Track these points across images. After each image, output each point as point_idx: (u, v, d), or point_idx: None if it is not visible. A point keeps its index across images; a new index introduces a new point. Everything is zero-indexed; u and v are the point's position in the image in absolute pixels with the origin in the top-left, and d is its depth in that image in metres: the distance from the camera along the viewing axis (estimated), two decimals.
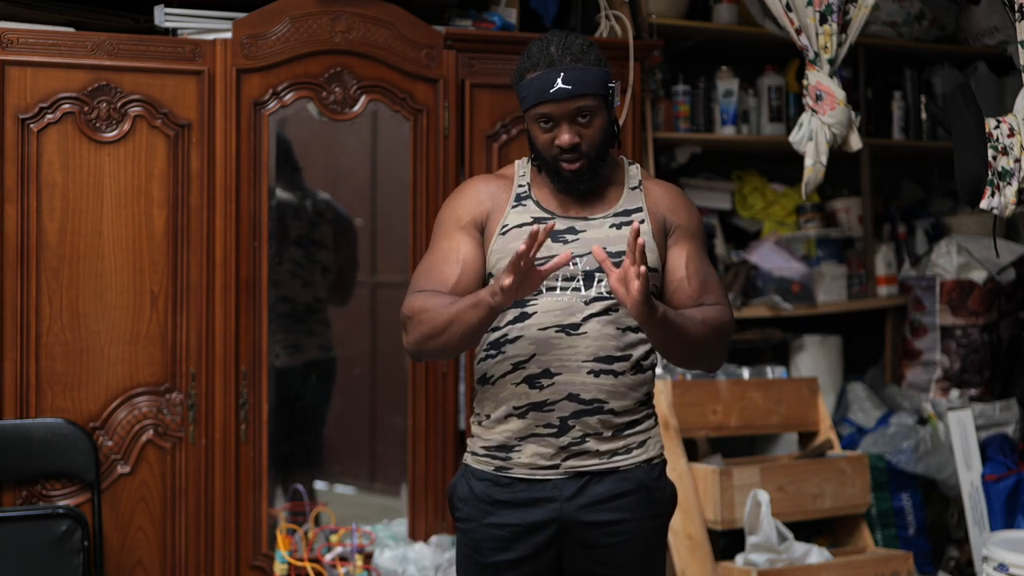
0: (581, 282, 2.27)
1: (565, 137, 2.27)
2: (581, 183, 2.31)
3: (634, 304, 2.10)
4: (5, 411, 3.20)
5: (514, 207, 2.34)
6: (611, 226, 2.31)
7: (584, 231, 2.31)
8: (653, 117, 4.14)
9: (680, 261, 2.35)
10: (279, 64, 3.41)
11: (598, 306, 2.27)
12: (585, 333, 2.26)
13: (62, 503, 3.22)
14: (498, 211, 2.34)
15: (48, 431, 3.20)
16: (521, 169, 2.41)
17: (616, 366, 2.27)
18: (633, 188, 2.38)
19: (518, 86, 2.33)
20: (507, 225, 2.32)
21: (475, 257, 2.33)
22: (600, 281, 2.27)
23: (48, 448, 3.19)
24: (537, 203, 2.34)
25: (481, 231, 2.34)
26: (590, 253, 2.26)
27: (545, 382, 2.26)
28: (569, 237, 2.30)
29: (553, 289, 2.27)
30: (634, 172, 2.41)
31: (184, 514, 3.33)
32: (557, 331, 2.26)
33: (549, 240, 2.28)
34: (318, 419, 3.95)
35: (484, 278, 2.33)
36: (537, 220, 2.31)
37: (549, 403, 2.27)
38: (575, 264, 2.27)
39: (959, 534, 4.34)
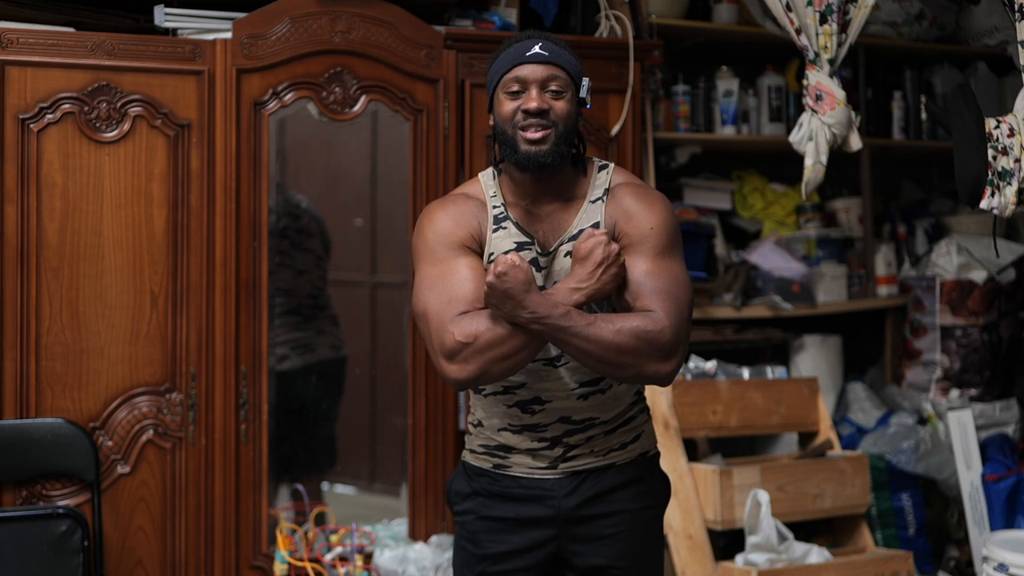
0: None
1: (533, 102, 2.19)
2: (542, 157, 2.19)
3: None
4: (5, 411, 3.20)
5: (495, 231, 2.26)
6: (565, 254, 2.24)
7: (545, 268, 2.25)
8: (653, 117, 4.14)
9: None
10: (279, 64, 3.41)
11: None
12: (567, 363, 2.25)
13: (62, 503, 3.22)
14: (483, 233, 2.26)
15: (48, 431, 3.20)
16: (490, 188, 2.31)
17: (603, 384, 2.28)
18: (595, 200, 2.27)
19: (492, 65, 2.27)
20: (493, 253, 2.25)
21: (480, 270, 2.23)
22: None
23: (48, 448, 3.19)
24: (516, 224, 2.26)
25: (481, 248, 2.25)
26: (555, 283, 2.21)
27: (536, 408, 2.27)
28: (542, 265, 2.25)
29: None
30: (602, 180, 2.29)
31: (184, 514, 3.33)
32: (544, 364, 2.25)
33: (532, 270, 2.20)
34: (319, 419, 3.95)
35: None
36: (520, 245, 2.24)
37: (542, 425, 2.29)
38: None
39: (959, 534, 4.33)
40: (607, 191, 2.28)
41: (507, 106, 2.22)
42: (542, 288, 2.19)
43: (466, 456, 2.40)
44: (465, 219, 2.25)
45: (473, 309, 2.14)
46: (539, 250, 2.25)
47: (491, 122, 2.28)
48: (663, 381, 2.17)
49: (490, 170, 2.33)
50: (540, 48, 2.22)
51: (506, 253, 2.20)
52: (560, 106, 2.21)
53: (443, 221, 2.26)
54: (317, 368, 3.87)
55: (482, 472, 2.35)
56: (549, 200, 2.27)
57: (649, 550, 2.36)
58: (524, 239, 2.25)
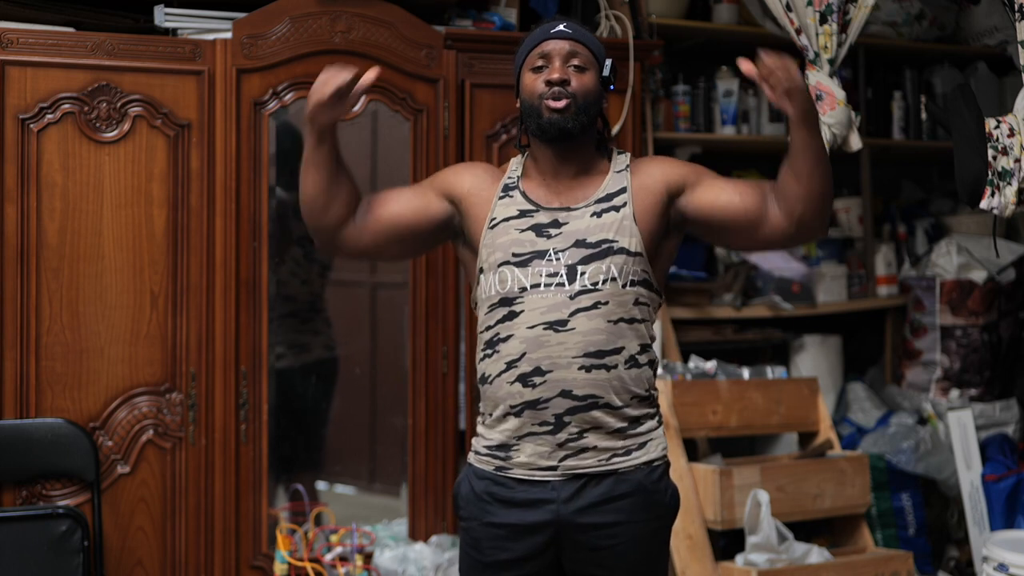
0: (564, 277, 2.26)
1: (556, 73, 2.29)
2: (564, 123, 2.28)
3: (799, 92, 2.17)
4: (5, 411, 3.20)
5: (500, 198, 2.34)
6: (592, 214, 2.30)
7: (567, 223, 2.30)
8: (653, 117, 4.14)
9: (717, 191, 2.32)
10: (279, 64, 3.41)
11: (585, 300, 2.25)
12: (573, 329, 2.24)
13: (62, 503, 3.22)
14: (481, 200, 2.35)
15: (48, 431, 3.20)
16: (515, 164, 2.41)
17: (607, 360, 2.26)
18: (619, 171, 2.36)
19: (519, 49, 2.38)
20: (495, 219, 2.32)
21: (420, 209, 2.36)
22: (583, 274, 2.26)
23: (48, 448, 3.19)
24: (523, 193, 2.34)
25: (450, 201, 2.36)
26: (572, 246, 2.27)
27: (537, 380, 2.25)
28: (552, 231, 2.29)
29: (537, 286, 2.26)
30: (623, 158, 2.39)
31: (184, 514, 3.33)
32: (545, 328, 2.25)
33: (533, 235, 2.29)
34: (319, 419, 3.95)
35: (417, 230, 2.36)
36: (523, 212, 2.31)
37: (543, 401, 2.26)
38: (557, 259, 2.27)
39: (959, 534, 4.34)
40: (628, 166, 2.38)
41: (532, 80, 2.32)
42: (559, 250, 2.27)
43: (471, 458, 2.39)
44: (466, 177, 2.39)
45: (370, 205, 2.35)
46: (554, 207, 2.31)
47: (517, 104, 2.37)
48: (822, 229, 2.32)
49: (520, 156, 2.44)
50: (565, 27, 2.34)
51: (507, 220, 2.31)
52: (582, 79, 2.31)
53: (453, 170, 2.47)
54: (311, 368, 3.87)
55: (484, 475, 2.34)
56: (571, 175, 2.35)
57: (650, 564, 2.33)
58: (528, 207, 2.32)
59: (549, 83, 2.28)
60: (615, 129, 3.74)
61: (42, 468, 3.21)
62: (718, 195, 2.31)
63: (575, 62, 2.31)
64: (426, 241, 2.41)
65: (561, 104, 2.27)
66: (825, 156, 2.24)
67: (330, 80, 2.21)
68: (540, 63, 2.31)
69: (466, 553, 2.36)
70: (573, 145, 2.32)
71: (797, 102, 2.18)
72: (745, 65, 2.22)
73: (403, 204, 2.37)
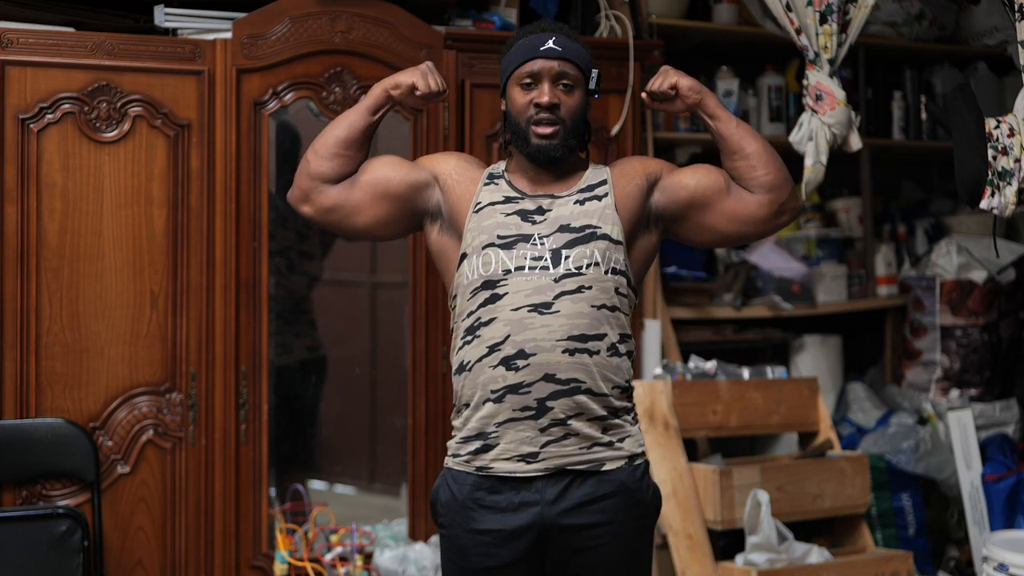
0: (549, 261, 2.28)
1: (546, 96, 2.32)
2: (553, 151, 2.32)
3: (681, 79, 2.41)
4: (5, 411, 3.20)
5: (486, 184, 2.38)
6: (575, 202, 2.35)
7: (550, 210, 2.34)
8: (653, 117, 4.14)
9: (691, 171, 2.43)
10: (279, 64, 3.41)
11: (569, 284, 2.28)
12: (558, 311, 2.26)
13: (62, 503, 3.22)
14: (465, 180, 2.39)
15: (48, 431, 3.20)
16: (501, 162, 2.46)
17: (590, 344, 2.27)
18: (598, 167, 2.42)
19: (505, 55, 2.39)
20: (480, 203, 2.35)
21: (405, 172, 2.41)
22: (567, 258, 2.29)
23: (48, 448, 3.19)
24: (509, 183, 2.38)
25: (433, 176, 2.40)
26: (557, 231, 2.31)
27: (521, 363, 2.25)
28: (537, 217, 2.33)
29: (522, 269, 2.28)
30: (601, 166, 2.46)
31: (184, 514, 3.33)
32: (530, 311, 2.26)
33: (518, 219, 2.32)
34: (316, 419, 3.95)
35: (399, 192, 2.40)
36: (508, 199, 2.34)
37: (525, 384, 2.25)
38: (542, 243, 2.30)
39: (959, 534, 4.34)
40: (606, 166, 2.46)
41: (520, 98, 2.35)
42: (544, 235, 2.30)
43: (448, 463, 2.36)
44: (450, 160, 2.44)
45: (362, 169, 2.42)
46: (539, 195, 2.36)
47: (503, 107, 2.41)
48: (794, 210, 2.48)
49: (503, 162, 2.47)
50: (554, 43, 2.34)
51: (492, 204, 2.34)
52: (570, 101, 2.35)
53: (439, 153, 2.59)
54: (295, 368, 3.87)
55: (465, 480, 2.31)
56: (553, 175, 2.40)
57: (635, 563, 2.33)
58: (514, 194, 2.36)
59: (538, 106, 2.32)
60: (615, 129, 3.74)
61: (42, 468, 3.21)
62: (693, 173, 2.44)
63: (564, 81, 2.34)
64: (403, 210, 2.41)
65: (550, 131, 2.32)
66: (744, 123, 2.41)
67: (433, 82, 2.41)
68: (528, 81, 2.34)
69: (450, 561, 2.34)
70: (559, 164, 2.38)
71: (691, 96, 2.41)
72: (644, 96, 2.46)
73: (388, 164, 2.43)
